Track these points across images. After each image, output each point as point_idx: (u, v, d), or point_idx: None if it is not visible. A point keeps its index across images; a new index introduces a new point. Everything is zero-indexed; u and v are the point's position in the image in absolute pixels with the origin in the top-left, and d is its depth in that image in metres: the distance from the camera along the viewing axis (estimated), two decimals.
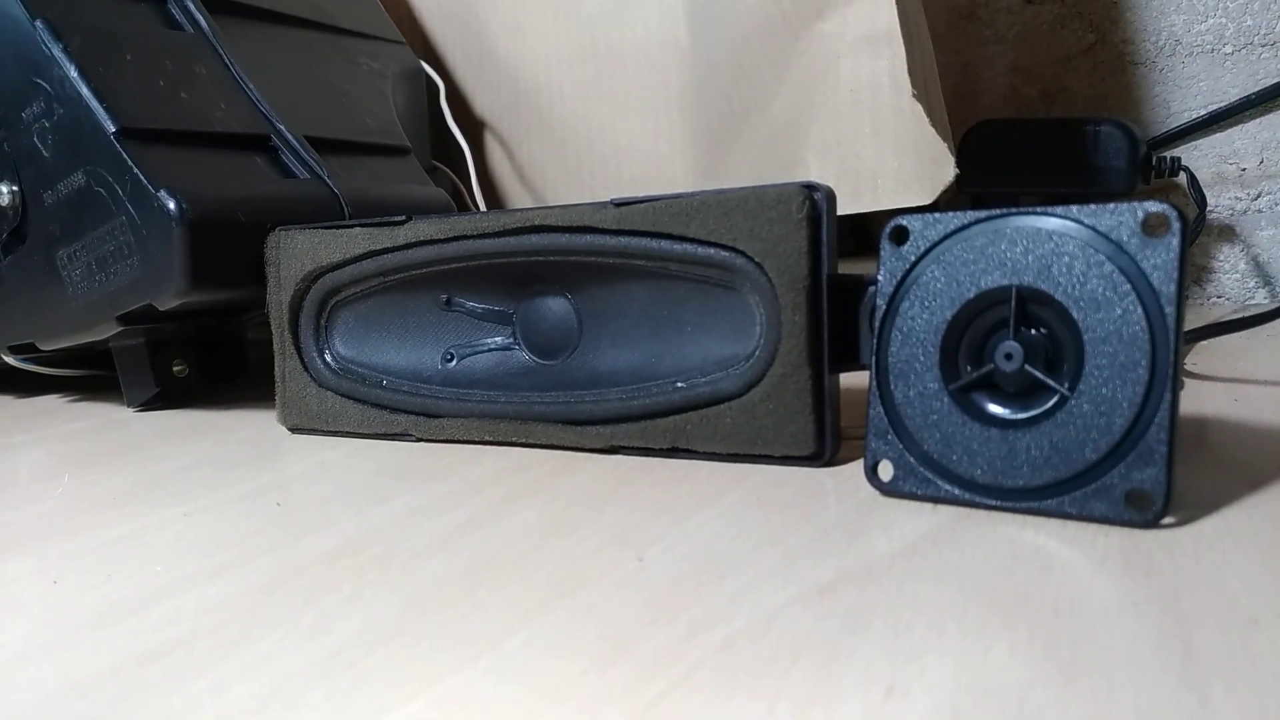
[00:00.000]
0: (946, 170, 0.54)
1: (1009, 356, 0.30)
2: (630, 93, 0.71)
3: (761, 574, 0.26)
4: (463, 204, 0.76)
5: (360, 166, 0.60)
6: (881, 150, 0.56)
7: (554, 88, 0.74)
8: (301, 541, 0.31)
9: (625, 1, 0.70)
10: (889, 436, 0.32)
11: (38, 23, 0.49)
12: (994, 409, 0.30)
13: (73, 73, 0.49)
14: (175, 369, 0.57)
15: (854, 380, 0.36)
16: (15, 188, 0.53)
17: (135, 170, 0.47)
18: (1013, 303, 0.30)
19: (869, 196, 0.57)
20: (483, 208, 0.74)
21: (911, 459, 0.31)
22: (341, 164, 0.57)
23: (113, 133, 0.48)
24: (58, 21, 0.50)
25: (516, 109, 0.77)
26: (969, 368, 0.31)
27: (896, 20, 0.55)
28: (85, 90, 0.48)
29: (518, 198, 0.79)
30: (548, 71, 0.74)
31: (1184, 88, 0.72)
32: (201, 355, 0.59)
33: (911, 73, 0.55)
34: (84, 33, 0.50)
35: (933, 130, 0.54)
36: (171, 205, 0.46)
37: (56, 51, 0.49)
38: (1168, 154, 0.71)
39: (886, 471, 0.32)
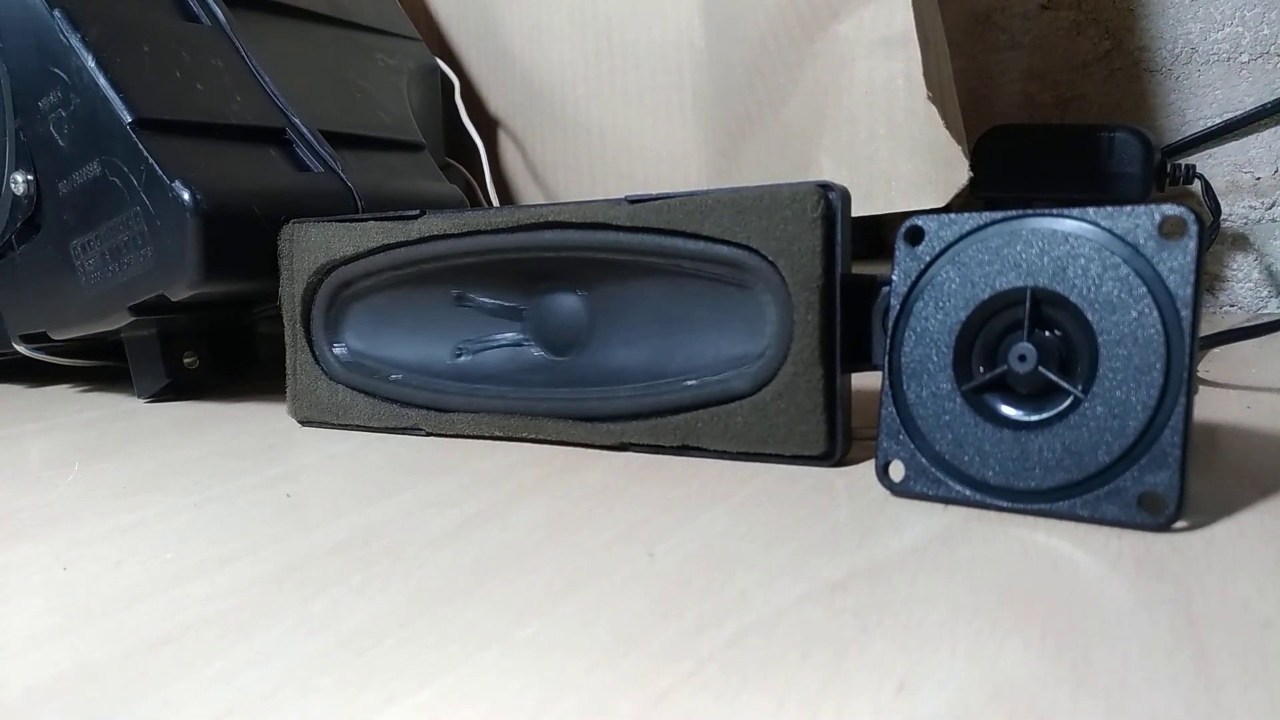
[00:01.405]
0: (960, 173, 0.54)
1: (1023, 358, 0.30)
2: (645, 93, 0.71)
3: (771, 571, 0.26)
4: (476, 201, 0.76)
5: (374, 161, 0.60)
6: (895, 152, 0.56)
7: (569, 87, 0.74)
8: (311, 532, 0.31)
9: (641, 2, 0.70)
10: (901, 436, 0.32)
11: (56, 12, 0.50)
12: (1007, 410, 0.30)
13: (90, 63, 0.49)
14: (186, 360, 0.58)
15: (865, 380, 0.36)
16: (30, 177, 0.54)
17: (150, 160, 0.47)
18: (1027, 304, 0.30)
19: (882, 199, 0.57)
20: (496, 205, 0.74)
21: (923, 459, 0.31)
22: (356, 158, 0.57)
23: (129, 123, 0.48)
24: (76, 11, 0.50)
25: (531, 107, 0.77)
26: (982, 369, 0.31)
27: (912, 23, 0.55)
28: (102, 80, 0.49)
29: (531, 196, 0.79)
30: (562, 70, 0.75)
31: (1199, 96, 0.71)
32: (213, 347, 0.59)
33: (926, 75, 0.54)
34: (102, 23, 0.50)
35: (947, 133, 0.54)
36: (186, 196, 0.46)
37: (74, 41, 0.49)
38: (1182, 161, 0.70)
39: (898, 471, 0.32)
